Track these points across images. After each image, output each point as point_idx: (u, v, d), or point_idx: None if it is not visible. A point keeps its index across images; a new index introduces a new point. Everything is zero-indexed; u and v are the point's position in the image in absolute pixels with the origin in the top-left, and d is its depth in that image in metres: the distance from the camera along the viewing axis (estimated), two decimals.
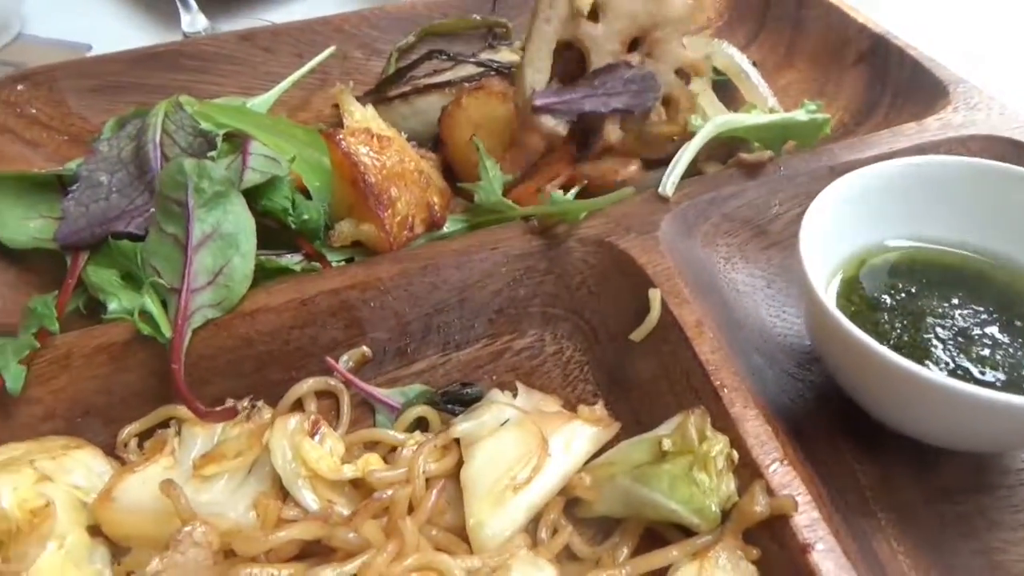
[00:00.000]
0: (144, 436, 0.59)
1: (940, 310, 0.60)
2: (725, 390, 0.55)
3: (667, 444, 0.52)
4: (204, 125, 0.80)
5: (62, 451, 0.53)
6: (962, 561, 0.53)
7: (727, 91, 0.94)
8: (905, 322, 0.59)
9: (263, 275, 0.67)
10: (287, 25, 1.04)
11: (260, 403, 0.60)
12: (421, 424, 0.61)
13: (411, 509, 0.51)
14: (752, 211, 0.73)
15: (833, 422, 0.61)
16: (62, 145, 0.90)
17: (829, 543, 0.47)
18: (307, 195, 0.76)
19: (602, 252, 0.67)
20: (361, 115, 0.76)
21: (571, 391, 0.64)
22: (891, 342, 0.58)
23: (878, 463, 0.58)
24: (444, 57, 0.96)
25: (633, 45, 0.82)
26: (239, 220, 0.65)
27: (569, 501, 0.54)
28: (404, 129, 0.87)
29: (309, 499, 0.53)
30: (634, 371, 0.62)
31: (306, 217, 0.71)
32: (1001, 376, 0.55)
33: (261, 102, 0.92)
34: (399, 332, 0.65)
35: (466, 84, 0.91)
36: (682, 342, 0.58)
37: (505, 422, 0.56)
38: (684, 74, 0.85)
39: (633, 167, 0.82)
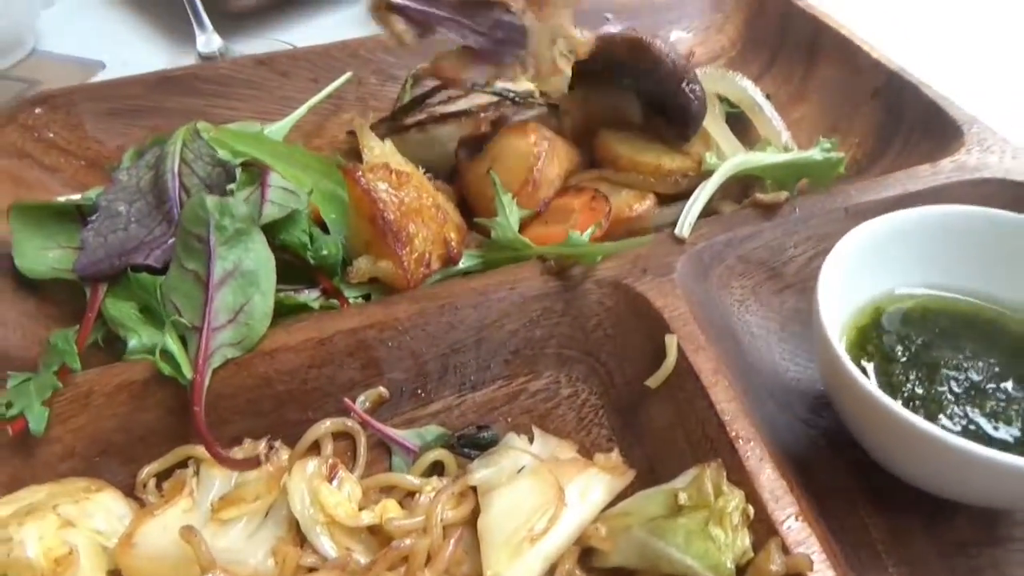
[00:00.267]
0: (162, 475, 0.60)
1: (954, 362, 0.60)
2: (740, 441, 0.55)
3: (683, 498, 0.52)
4: (222, 153, 0.81)
5: (84, 494, 0.53)
6: None
7: (740, 123, 0.95)
8: (919, 374, 0.59)
9: (281, 312, 0.67)
10: (304, 50, 1.04)
11: (278, 443, 0.61)
12: (437, 466, 0.61)
13: (429, 558, 0.52)
14: (767, 253, 0.73)
15: (845, 471, 0.61)
16: (79, 170, 0.90)
17: None
18: (323, 226, 0.77)
19: (618, 294, 0.67)
20: (380, 150, 0.77)
21: (586, 435, 0.64)
22: (905, 395, 0.58)
23: (890, 515, 0.59)
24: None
25: None
26: (260, 258, 0.66)
27: (584, 551, 0.55)
28: (419, 158, 0.88)
29: (327, 546, 0.53)
30: (649, 417, 0.62)
31: (325, 253, 0.71)
32: (1015, 431, 0.56)
33: (277, 129, 0.92)
34: (416, 372, 0.66)
35: (482, 114, 0.92)
36: (698, 390, 0.59)
37: (521, 469, 0.56)
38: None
39: (648, 202, 0.83)
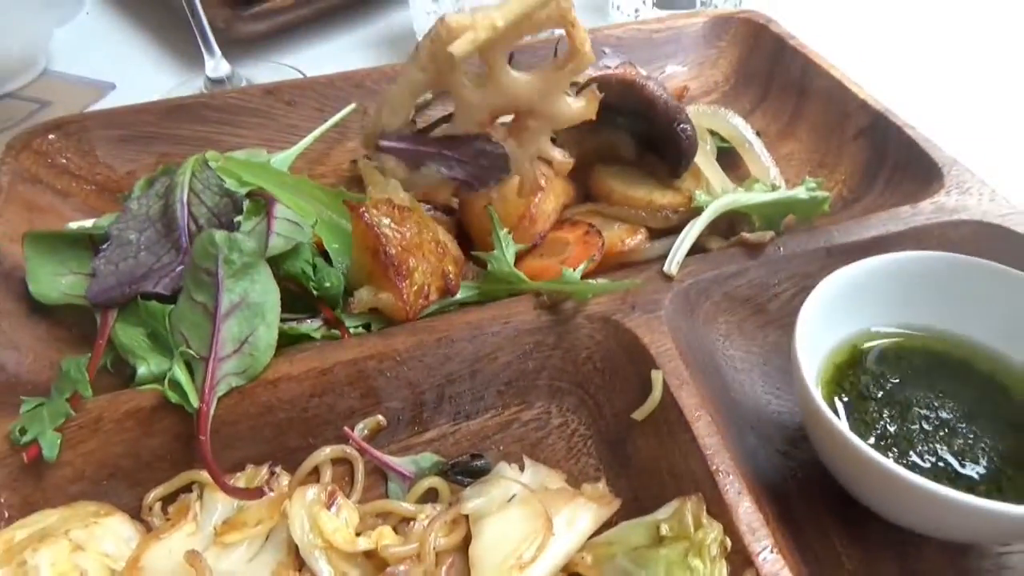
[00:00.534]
0: (167, 498, 0.63)
1: (925, 400, 0.63)
2: (720, 475, 0.58)
3: (665, 529, 0.55)
4: (229, 183, 0.84)
5: (93, 519, 0.56)
6: None
7: (731, 157, 0.98)
8: (892, 412, 0.62)
9: (284, 341, 0.70)
10: (310, 80, 1.08)
11: (279, 469, 0.63)
12: (431, 493, 0.64)
13: None
14: (752, 290, 0.76)
15: (821, 503, 0.64)
16: (90, 195, 0.93)
17: None
18: (325, 254, 0.80)
19: (608, 329, 0.70)
20: (384, 186, 0.80)
21: (575, 464, 0.67)
22: (878, 431, 0.61)
23: (863, 545, 0.61)
24: None
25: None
26: (265, 290, 0.69)
27: None
28: (420, 188, 0.91)
29: (325, 570, 0.56)
30: (635, 449, 0.65)
31: (327, 284, 0.74)
32: (980, 470, 0.58)
33: (283, 158, 0.96)
34: (413, 402, 0.69)
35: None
36: (681, 424, 0.62)
37: (512, 498, 0.59)
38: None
39: (639, 236, 0.86)
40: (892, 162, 0.92)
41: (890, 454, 0.59)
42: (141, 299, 0.73)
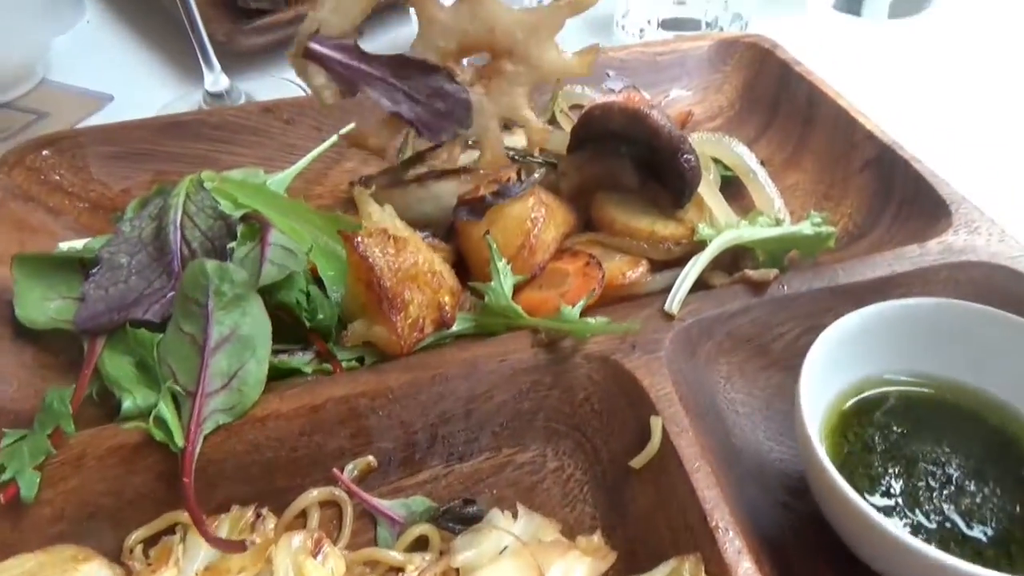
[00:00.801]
0: (149, 540, 0.61)
1: (932, 456, 0.61)
2: (719, 532, 0.56)
3: None
4: (224, 206, 0.83)
5: (72, 564, 0.54)
6: None
7: (735, 186, 0.97)
8: (898, 467, 0.61)
9: (274, 375, 0.68)
10: (309, 98, 1.06)
11: (265, 511, 0.62)
12: (421, 539, 0.62)
13: None
14: (754, 329, 0.75)
15: (823, 557, 0.62)
16: (83, 213, 0.92)
17: None
18: (320, 280, 0.78)
19: (607, 370, 0.68)
20: (379, 215, 0.78)
21: (570, 511, 0.65)
22: (883, 487, 0.59)
23: None
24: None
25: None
26: (256, 323, 0.67)
27: None
28: (419, 212, 0.89)
29: None
30: (632, 498, 0.63)
31: (320, 316, 0.73)
32: (988, 531, 0.57)
33: (280, 179, 0.94)
34: (405, 442, 0.67)
35: (482, 171, 0.93)
36: (680, 475, 0.60)
37: (503, 550, 0.57)
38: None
39: (641, 269, 0.84)
40: (899, 197, 0.91)
41: (895, 513, 0.58)
42: (130, 326, 0.71)
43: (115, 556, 0.59)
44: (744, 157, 0.97)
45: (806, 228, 0.83)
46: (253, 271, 0.73)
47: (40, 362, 0.74)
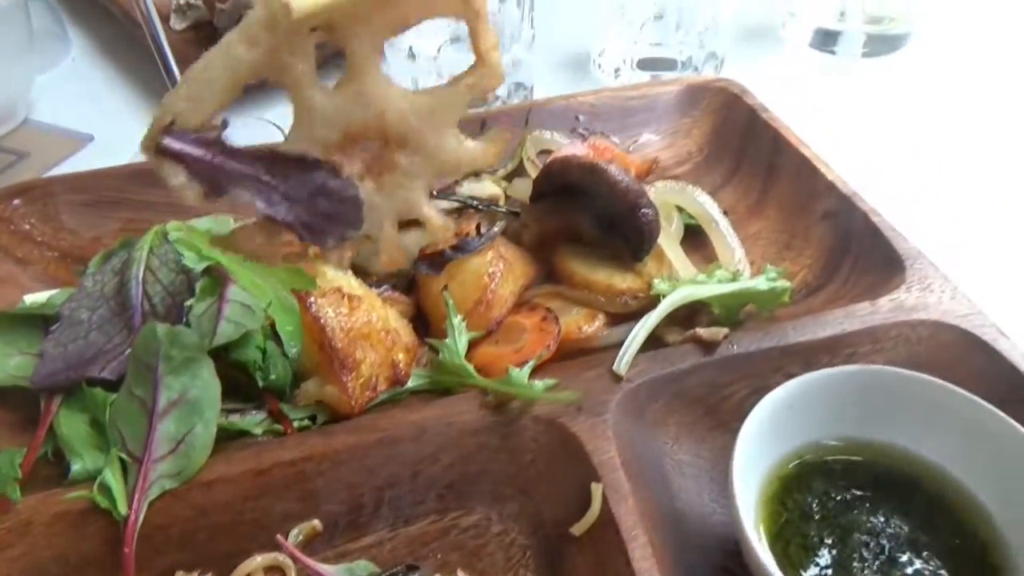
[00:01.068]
0: None
1: (868, 525, 0.62)
2: None
3: None
4: (188, 257, 0.84)
5: None
6: None
7: (698, 235, 0.98)
8: (833, 537, 0.61)
9: (223, 435, 0.69)
10: (283, 142, 1.07)
11: None
12: None
13: None
14: (703, 390, 0.75)
15: None
16: (51, 263, 0.93)
17: None
18: (278, 336, 0.79)
19: (552, 432, 0.69)
20: (333, 274, 0.79)
21: None
22: (817, 559, 0.60)
23: None
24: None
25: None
26: (205, 386, 0.68)
27: None
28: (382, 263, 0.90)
29: None
30: (574, 565, 0.64)
31: (273, 376, 0.74)
32: None
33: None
34: (351, 505, 0.68)
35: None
36: (617, 544, 0.60)
37: None
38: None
39: (597, 323, 0.85)
40: (857, 249, 0.91)
41: None
42: (86, 385, 0.72)
43: None
44: (706, 206, 0.99)
45: (761, 283, 0.84)
46: (209, 330, 0.74)
47: None
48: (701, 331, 0.78)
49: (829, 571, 0.59)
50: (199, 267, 0.83)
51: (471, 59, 0.56)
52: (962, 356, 0.76)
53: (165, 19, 1.47)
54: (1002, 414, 0.62)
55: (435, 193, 0.97)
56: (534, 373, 0.75)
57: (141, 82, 1.41)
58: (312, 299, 0.73)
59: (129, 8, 1.05)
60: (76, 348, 0.77)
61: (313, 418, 0.74)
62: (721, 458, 0.74)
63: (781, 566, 0.56)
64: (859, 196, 0.95)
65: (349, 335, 0.73)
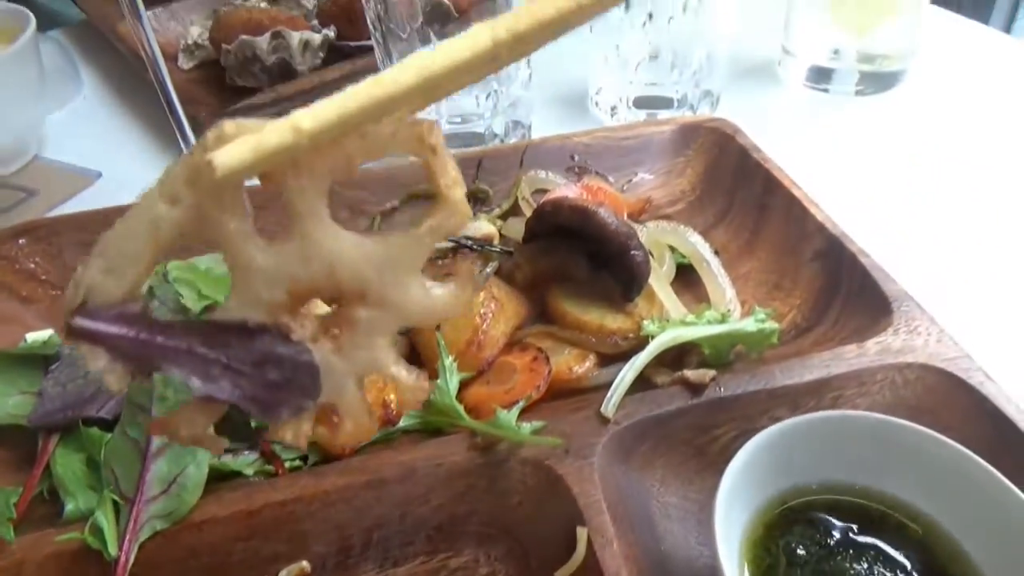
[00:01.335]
0: None
1: (852, 571, 0.62)
2: None
3: None
4: (186, 297, 0.86)
5: None
6: None
7: (690, 274, 0.99)
8: None
9: (215, 475, 0.70)
10: None
11: None
12: None
13: None
14: (691, 432, 0.76)
15: None
16: (55, 301, 0.95)
17: None
18: None
19: (540, 474, 0.70)
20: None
21: None
22: None
23: None
24: None
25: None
26: None
27: None
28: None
29: None
30: None
31: None
32: None
33: None
34: (340, 546, 0.68)
35: (438, 260, 0.96)
36: None
37: None
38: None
39: (588, 364, 0.86)
40: (845, 290, 0.92)
41: None
42: (83, 425, 0.74)
43: None
44: (698, 246, 1.00)
45: (749, 325, 0.85)
46: None
47: None
48: (689, 373, 0.79)
49: None
50: (198, 307, 0.85)
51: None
52: (948, 399, 0.77)
53: (173, 58, 1.51)
54: (986, 464, 0.62)
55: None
56: (524, 413, 0.77)
57: (150, 120, 1.45)
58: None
59: (136, 48, 1.09)
60: (75, 387, 0.78)
61: (304, 458, 0.75)
62: (708, 501, 0.74)
63: None
64: (848, 237, 0.96)
65: None
